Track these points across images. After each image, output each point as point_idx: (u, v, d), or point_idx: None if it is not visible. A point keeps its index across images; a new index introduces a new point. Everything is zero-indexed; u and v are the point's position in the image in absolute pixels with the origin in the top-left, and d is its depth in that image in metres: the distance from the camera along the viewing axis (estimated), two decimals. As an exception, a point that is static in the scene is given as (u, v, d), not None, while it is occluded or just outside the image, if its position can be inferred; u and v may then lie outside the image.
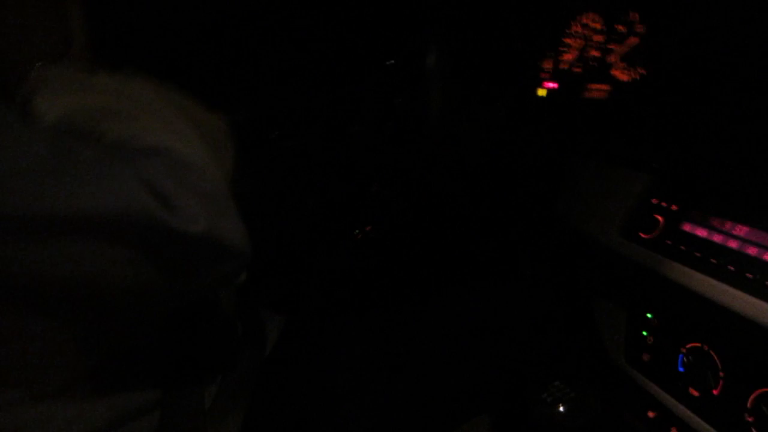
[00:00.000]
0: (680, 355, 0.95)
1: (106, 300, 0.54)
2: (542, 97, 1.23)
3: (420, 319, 1.03)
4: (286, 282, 1.12)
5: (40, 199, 0.45)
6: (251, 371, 0.89)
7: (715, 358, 0.88)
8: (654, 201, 0.96)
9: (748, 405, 0.82)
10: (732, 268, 0.80)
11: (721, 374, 0.87)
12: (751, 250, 0.79)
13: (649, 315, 1.03)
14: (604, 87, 1.14)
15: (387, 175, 1.17)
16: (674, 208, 0.93)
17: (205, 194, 0.55)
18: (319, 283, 1.21)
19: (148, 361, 0.68)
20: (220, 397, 0.81)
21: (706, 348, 0.90)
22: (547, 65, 1.21)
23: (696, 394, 0.91)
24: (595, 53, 1.15)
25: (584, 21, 1.14)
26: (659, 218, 0.93)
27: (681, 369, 0.94)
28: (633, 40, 1.08)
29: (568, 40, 1.17)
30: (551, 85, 1.21)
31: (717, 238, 0.84)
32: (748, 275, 0.77)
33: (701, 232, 0.87)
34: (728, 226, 0.83)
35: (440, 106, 1.07)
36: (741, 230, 0.82)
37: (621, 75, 1.11)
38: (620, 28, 1.10)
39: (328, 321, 1.03)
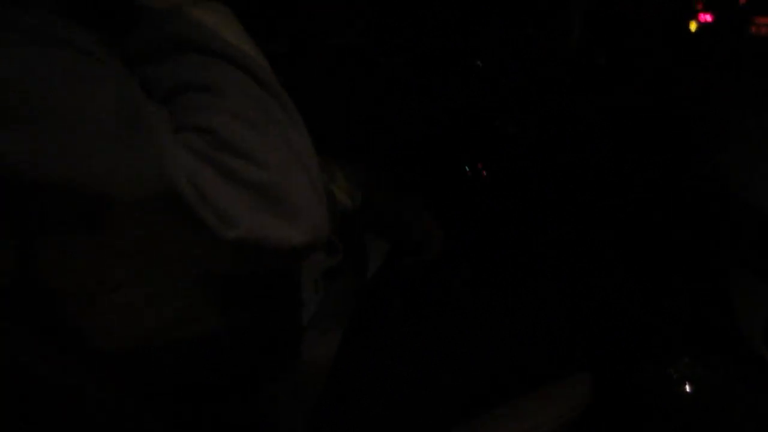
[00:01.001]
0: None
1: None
2: (694, 32, 1.06)
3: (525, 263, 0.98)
4: (392, 210, 1.07)
5: (88, 173, 0.45)
6: (350, 294, 0.90)
7: None
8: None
9: None
10: None
11: None
12: None
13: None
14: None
15: (514, 111, 1.08)
16: None
17: (256, 186, 0.49)
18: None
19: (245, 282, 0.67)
20: (318, 316, 0.83)
21: None
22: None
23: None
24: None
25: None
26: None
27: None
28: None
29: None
30: (706, 17, 1.03)
31: None
32: None
33: None
34: None
35: (580, 35, 0.96)
36: None
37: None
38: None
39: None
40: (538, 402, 0.87)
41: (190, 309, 0.60)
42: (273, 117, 0.53)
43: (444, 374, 0.85)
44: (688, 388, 0.92)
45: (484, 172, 1.22)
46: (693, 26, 1.05)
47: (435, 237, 1.01)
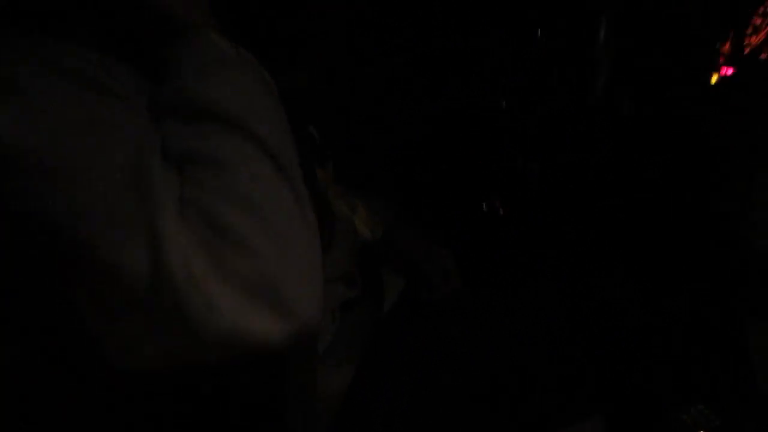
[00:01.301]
0: None
1: None
2: (715, 84, 1.07)
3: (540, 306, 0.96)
4: (411, 247, 1.07)
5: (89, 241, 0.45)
6: (366, 326, 0.90)
7: None
8: None
9: None
10: None
11: None
12: None
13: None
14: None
15: (536, 152, 1.09)
16: None
17: (249, 279, 0.48)
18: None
19: None
20: (333, 347, 0.84)
21: None
22: (726, 48, 1.04)
23: None
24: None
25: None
26: None
27: None
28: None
29: (757, 20, 1.00)
30: (727, 71, 1.04)
31: None
32: None
33: None
34: None
35: (605, 83, 0.97)
36: None
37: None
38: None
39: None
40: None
41: None
42: (280, 204, 0.52)
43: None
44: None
45: (502, 210, 1.23)
46: (714, 79, 1.06)
47: (452, 276, 1.02)
